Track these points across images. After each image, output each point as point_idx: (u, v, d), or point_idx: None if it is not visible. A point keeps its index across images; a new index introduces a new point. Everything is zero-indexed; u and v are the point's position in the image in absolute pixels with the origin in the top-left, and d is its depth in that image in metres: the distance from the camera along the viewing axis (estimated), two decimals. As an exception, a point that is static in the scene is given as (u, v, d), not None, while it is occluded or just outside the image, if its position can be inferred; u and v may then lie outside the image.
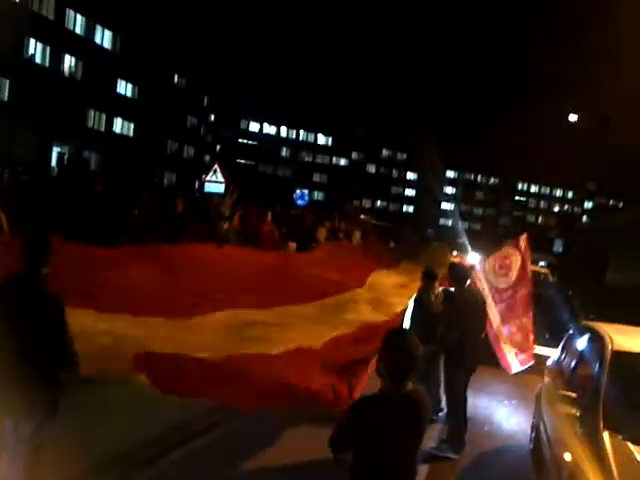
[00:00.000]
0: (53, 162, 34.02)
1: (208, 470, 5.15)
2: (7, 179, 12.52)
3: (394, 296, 9.05)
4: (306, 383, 5.02)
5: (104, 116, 42.79)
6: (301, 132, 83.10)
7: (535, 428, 6.49)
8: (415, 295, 7.27)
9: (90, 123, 41.53)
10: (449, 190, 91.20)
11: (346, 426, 3.11)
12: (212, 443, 5.78)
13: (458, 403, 6.56)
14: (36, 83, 34.00)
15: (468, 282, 7.00)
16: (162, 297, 5.91)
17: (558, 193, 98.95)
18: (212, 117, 63.88)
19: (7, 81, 33.78)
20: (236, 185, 15.05)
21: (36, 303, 3.83)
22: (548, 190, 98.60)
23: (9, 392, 3.81)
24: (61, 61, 37.78)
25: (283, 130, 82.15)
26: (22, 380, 3.78)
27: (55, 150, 36.31)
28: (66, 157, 31.32)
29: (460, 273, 6.93)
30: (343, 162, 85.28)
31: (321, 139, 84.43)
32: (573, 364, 6.16)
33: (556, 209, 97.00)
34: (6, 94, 33.98)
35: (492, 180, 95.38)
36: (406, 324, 7.04)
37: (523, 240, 8.62)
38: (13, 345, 3.78)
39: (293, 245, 14.72)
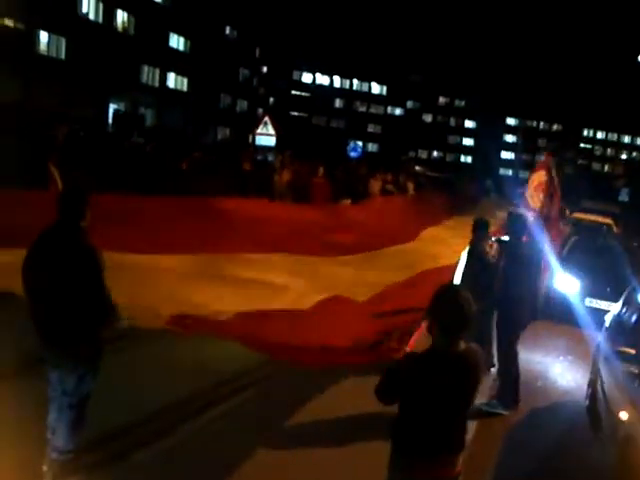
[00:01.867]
0: (110, 119, 34.66)
1: (256, 421, 5.16)
2: (62, 136, 12.80)
3: (447, 248, 8.89)
4: (358, 333, 4.98)
5: (157, 71, 43.08)
6: (354, 82, 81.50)
7: (592, 385, 6.29)
8: (468, 246, 6.93)
9: (144, 79, 41.93)
10: (510, 138, 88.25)
11: (395, 379, 2.99)
12: (259, 395, 5.80)
13: (510, 358, 6.36)
14: (91, 40, 34.39)
15: (527, 235, 6.65)
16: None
17: (626, 139, 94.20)
18: (264, 69, 63.41)
19: (63, 40, 34.29)
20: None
21: (74, 255, 3.80)
22: (615, 137, 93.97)
23: (52, 345, 3.88)
24: (114, 17, 38.01)
25: (336, 80, 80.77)
26: (64, 333, 3.84)
27: (112, 107, 36.92)
28: (122, 113, 31.85)
29: (518, 224, 6.59)
30: (398, 112, 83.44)
31: (375, 88, 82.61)
32: (634, 319, 5.89)
33: (624, 156, 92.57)
34: (63, 53, 34.54)
35: (555, 127, 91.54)
36: (458, 277, 6.78)
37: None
38: (53, 298, 3.80)
39: (347, 200, 14.60)
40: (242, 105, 57.46)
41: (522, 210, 8.01)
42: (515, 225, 6.59)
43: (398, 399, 2.97)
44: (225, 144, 38.59)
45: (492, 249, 6.86)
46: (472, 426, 5.46)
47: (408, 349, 4.73)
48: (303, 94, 77.73)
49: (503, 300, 6.31)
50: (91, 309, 3.85)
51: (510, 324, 6.37)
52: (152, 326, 4.72)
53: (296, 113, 72.02)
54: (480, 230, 6.90)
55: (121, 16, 38.67)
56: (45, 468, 3.90)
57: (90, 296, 3.82)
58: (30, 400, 4.22)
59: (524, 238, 6.55)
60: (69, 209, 3.87)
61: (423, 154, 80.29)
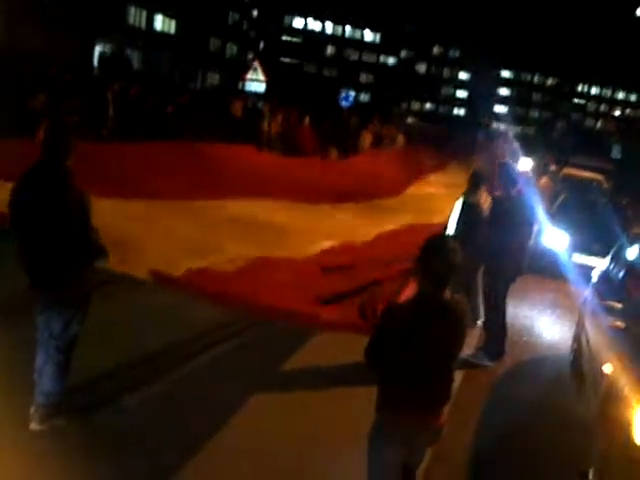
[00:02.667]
0: (95, 61, 33.76)
1: (240, 368, 5.16)
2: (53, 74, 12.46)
3: (437, 202, 8.80)
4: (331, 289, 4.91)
5: (145, 12, 41.82)
6: (347, 28, 79.70)
7: (577, 339, 6.29)
8: (462, 197, 6.81)
9: (131, 20, 40.70)
10: (504, 92, 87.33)
11: (379, 332, 2.98)
12: (244, 344, 5.78)
13: (496, 311, 6.37)
14: (75, -22, 33.15)
15: (517, 188, 6.54)
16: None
17: (620, 96, 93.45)
18: (255, 12, 61.62)
19: (47, -23, 33.02)
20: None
21: (60, 195, 3.72)
22: (609, 92, 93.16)
23: (40, 287, 3.85)
24: (100, -46, 36.59)
25: (328, 26, 78.93)
26: (52, 276, 3.81)
27: (97, 49, 35.89)
28: (107, 56, 30.98)
29: (508, 176, 6.49)
30: (391, 61, 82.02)
31: (368, 36, 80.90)
32: (622, 274, 5.90)
33: (617, 113, 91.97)
34: (46, -9, 33.33)
35: (550, 81, 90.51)
36: (451, 228, 6.68)
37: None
38: (40, 239, 3.75)
39: (334, 151, 14.35)
40: (232, 49, 56.13)
41: (512, 163, 7.91)
42: (505, 176, 6.50)
43: (384, 359, 2.95)
44: (214, 89, 37.84)
45: (486, 202, 6.78)
46: (457, 377, 5.52)
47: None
48: (294, 40, 76.06)
49: (490, 252, 6.25)
50: (79, 251, 3.80)
51: (497, 277, 6.35)
52: (137, 274, 4.64)
53: (287, 59, 70.57)
54: (475, 182, 6.80)
55: (107, -46, 37.24)
56: (32, 411, 3.91)
57: (77, 237, 3.76)
58: (19, 343, 4.22)
59: (514, 190, 6.45)
60: (53, 147, 3.76)
61: (416, 105, 79.39)
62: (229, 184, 6.91)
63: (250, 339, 5.88)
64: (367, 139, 15.62)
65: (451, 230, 6.59)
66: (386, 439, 3.02)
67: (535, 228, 7.07)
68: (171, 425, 4.19)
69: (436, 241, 3.01)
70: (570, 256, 9.74)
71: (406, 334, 2.88)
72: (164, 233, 5.43)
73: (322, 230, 6.64)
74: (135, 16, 41.10)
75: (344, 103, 22.72)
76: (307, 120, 13.80)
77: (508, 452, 4.67)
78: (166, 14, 43.85)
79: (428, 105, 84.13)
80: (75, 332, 3.95)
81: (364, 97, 74.43)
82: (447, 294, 2.94)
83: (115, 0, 36.53)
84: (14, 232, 3.83)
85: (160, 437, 4.03)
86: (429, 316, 2.90)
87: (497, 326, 6.37)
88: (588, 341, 5.47)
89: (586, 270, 7.94)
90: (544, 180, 13.43)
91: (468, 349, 6.12)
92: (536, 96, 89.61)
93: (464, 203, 6.73)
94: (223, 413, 4.43)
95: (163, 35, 43.99)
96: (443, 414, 3.07)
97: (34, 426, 3.89)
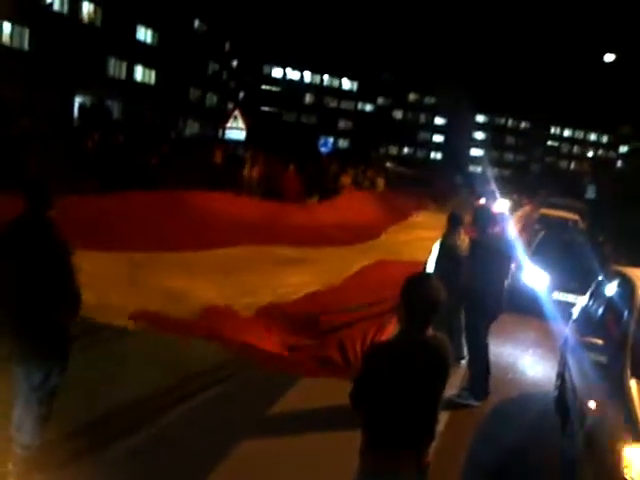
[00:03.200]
0: (75, 112, 34.00)
1: (223, 418, 5.08)
2: (28, 128, 12.48)
3: (416, 245, 8.86)
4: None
5: (125, 64, 42.41)
6: (325, 77, 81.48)
7: (560, 376, 6.36)
8: (440, 239, 6.93)
9: (111, 71, 41.23)
10: (479, 135, 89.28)
11: (361, 376, 2.94)
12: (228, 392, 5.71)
13: (479, 350, 6.40)
14: (55, 32, 33.66)
15: (494, 229, 6.69)
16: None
17: (592, 137, 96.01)
18: (234, 63, 62.88)
19: (27, 30, 33.50)
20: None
21: (43, 246, 3.73)
22: (582, 134, 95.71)
23: (18, 340, 3.79)
24: (79, 8, 37.18)
25: (307, 75, 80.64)
26: (31, 327, 3.76)
27: (77, 100, 36.22)
28: (88, 107, 31.21)
29: (484, 218, 6.63)
30: (369, 107, 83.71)
31: (346, 84, 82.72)
32: (601, 310, 5.98)
33: (590, 154, 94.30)
34: (26, 44, 33.76)
35: (523, 124, 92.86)
36: (429, 269, 6.76)
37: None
38: (22, 290, 3.73)
39: (316, 196, 14.58)
40: (212, 99, 56.94)
41: (488, 205, 8.09)
42: (481, 218, 6.63)
43: (368, 400, 2.91)
44: (194, 138, 38.21)
45: (464, 243, 6.87)
46: (443, 417, 5.44)
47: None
48: (273, 89, 77.44)
49: (471, 292, 6.32)
50: (60, 302, 3.79)
51: (478, 316, 6.39)
52: (118, 322, 4.62)
53: (267, 108, 71.66)
54: (453, 224, 6.92)
55: (87, 7, 37.82)
56: (11, 466, 3.80)
57: (59, 288, 3.75)
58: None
59: (491, 231, 6.59)
60: (35, 199, 3.78)
61: (393, 150, 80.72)
62: (210, 233, 6.94)
63: (233, 386, 5.81)
64: (347, 181, 15.87)
65: (430, 270, 6.66)
66: None
67: (513, 266, 7.18)
68: (159, 474, 4.12)
69: (417, 279, 2.99)
70: (550, 294, 9.82)
71: (389, 373, 2.84)
72: (141, 282, 5.39)
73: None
74: (115, 67, 41.70)
75: (323, 149, 23.12)
76: (292, 167, 14.07)
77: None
78: (146, 65, 44.58)
79: (406, 149, 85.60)
80: (55, 383, 3.89)
81: (343, 143, 75.61)
82: (430, 332, 2.91)
83: (95, 51, 37.11)
84: None
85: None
86: (412, 354, 2.86)
87: (481, 365, 6.37)
88: (571, 377, 5.51)
89: (566, 308, 8.04)
90: (520, 213, 13.68)
91: (452, 389, 6.15)
92: (510, 139, 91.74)
93: (442, 244, 6.84)
94: (216, 459, 4.37)
95: (143, 85, 44.61)
96: (428, 454, 3.00)
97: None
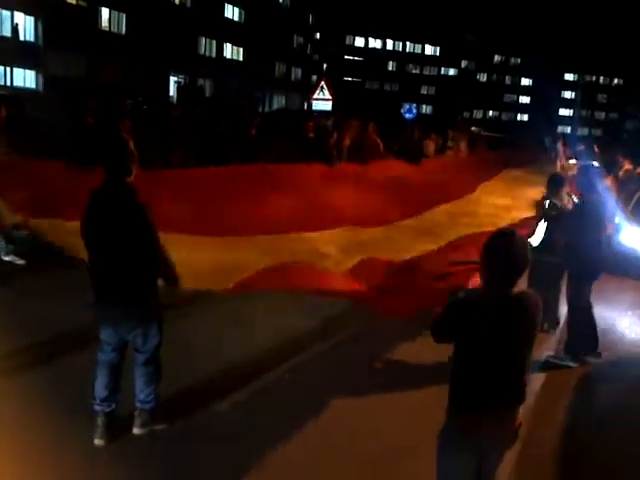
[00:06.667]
0: (171, 91, 35.74)
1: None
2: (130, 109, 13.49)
3: (509, 208, 9.02)
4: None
5: (214, 42, 43.84)
6: (407, 44, 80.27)
7: None
8: (547, 201, 6.76)
9: (202, 50, 42.80)
10: (568, 95, 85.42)
11: (441, 323, 2.93)
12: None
13: (583, 310, 6.34)
14: (150, 15, 35.41)
15: (596, 189, 6.50)
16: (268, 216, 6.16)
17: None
18: (318, 35, 63.32)
19: (124, 15, 35.48)
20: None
21: (123, 213, 3.80)
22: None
23: (115, 303, 3.90)
24: (171, -11, 38.88)
25: (389, 43, 79.75)
26: (126, 290, 3.86)
27: (172, 79, 38.03)
28: (184, 85, 32.73)
29: (589, 177, 6.52)
30: (452, 72, 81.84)
31: (428, 49, 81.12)
32: None
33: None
34: (124, 28, 35.77)
35: (616, 81, 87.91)
36: (539, 233, 6.68)
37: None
38: (111, 256, 3.83)
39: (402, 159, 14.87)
40: (297, 73, 57.80)
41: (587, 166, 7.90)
42: (584, 179, 6.55)
43: (451, 339, 2.90)
44: (280, 111, 39.21)
45: (569, 203, 6.88)
46: (539, 378, 5.68)
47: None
48: (356, 59, 77.09)
49: (577, 251, 6.30)
50: (146, 264, 3.87)
51: (583, 275, 6.38)
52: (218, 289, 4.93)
53: (349, 78, 71.68)
54: (556, 185, 6.86)
55: (178, -11, 39.51)
56: (97, 441, 3.93)
57: (144, 252, 3.83)
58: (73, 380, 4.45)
59: (593, 191, 6.48)
60: (113, 166, 3.86)
61: (478, 114, 78.75)
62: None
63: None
64: (431, 147, 16.17)
65: (540, 231, 6.70)
66: (455, 443, 2.87)
67: (610, 227, 6.93)
68: (264, 427, 4.36)
69: (499, 238, 2.86)
70: None
71: (473, 329, 2.78)
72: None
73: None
74: (206, 45, 43.27)
75: (408, 115, 23.39)
76: (371, 126, 14.11)
77: (590, 449, 4.71)
78: (234, 42, 45.94)
79: (491, 113, 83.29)
80: (155, 343, 4.04)
81: (427, 109, 74.65)
82: (513, 291, 2.80)
83: (187, 32, 38.73)
84: (87, 250, 3.92)
85: (254, 439, 4.20)
86: (491, 317, 2.76)
87: (582, 325, 6.33)
88: None
89: None
90: (610, 179, 13.38)
91: (549, 351, 6.31)
92: (601, 97, 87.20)
93: (550, 206, 6.77)
94: (313, 414, 4.64)
95: (232, 62, 46.00)
96: (518, 416, 2.88)
97: (136, 430, 4.08)
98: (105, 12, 34.77)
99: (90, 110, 9.47)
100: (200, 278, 4.60)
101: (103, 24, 34.86)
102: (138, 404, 4.09)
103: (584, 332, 6.28)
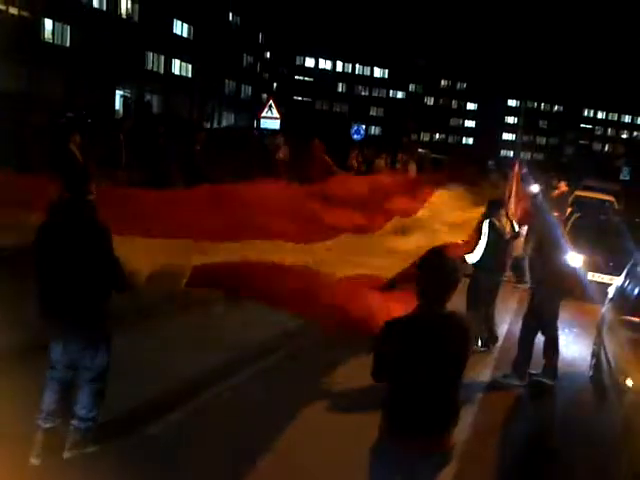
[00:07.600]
0: (117, 105, 34.80)
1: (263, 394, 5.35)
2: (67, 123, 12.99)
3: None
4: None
5: (162, 58, 43.15)
6: (357, 66, 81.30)
7: (595, 355, 6.45)
8: (487, 222, 7.11)
9: (149, 65, 42.00)
10: (511, 120, 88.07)
11: (378, 349, 2.87)
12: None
13: (553, 328, 6.56)
14: (95, 28, 34.45)
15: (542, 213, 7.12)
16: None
17: (627, 119, 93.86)
18: (268, 55, 63.29)
19: (68, 27, 34.39)
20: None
21: (81, 228, 3.80)
22: (616, 116, 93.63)
23: (63, 319, 3.87)
24: (118, 4, 38.00)
25: (339, 65, 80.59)
26: (76, 307, 3.83)
27: (118, 94, 37.06)
28: (131, 101, 31.91)
29: (538, 202, 7.04)
30: (400, 95, 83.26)
31: (377, 72, 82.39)
32: (637, 290, 6.03)
33: (624, 136, 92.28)
34: (68, 40, 34.66)
35: (556, 108, 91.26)
36: (479, 251, 7.00)
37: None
38: (60, 269, 3.79)
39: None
40: (247, 91, 57.47)
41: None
42: (536, 204, 7.24)
43: (387, 377, 2.87)
44: (228, 128, 38.77)
45: (507, 226, 7.27)
46: (477, 397, 5.77)
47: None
48: (306, 79, 77.47)
49: (551, 274, 6.56)
50: (100, 282, 3.85)
51: (556, 295, 6.61)
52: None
53: (300, 98, 71.85)
54: (495, 206, 7.29)
55: (125, 3, 38.67)
56: (33, 460, 3.83)
57: (100, 274, 3.81)
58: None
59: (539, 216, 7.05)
60: (75, 186, 3.87)
61: (425, 137, 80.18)
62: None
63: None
64: (381, 164, 16.18)
65: (480, 250, 6.96)
66: (386, 462, 2.87)
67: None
68: (199, 447, 4.32)
69: (433, 257, 2.91)
70: (585, 275, 9.83)
71: (405, 350, 2.76)
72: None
73: None
74: (153, 61, 42.44)
75: (356, 136, 23.39)
76: (316, 140, 13.87)
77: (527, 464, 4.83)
78: (183, 58, 45.23)
79: (437, 135, 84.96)
80: (104, 362, 3.99)
81: (375, 130, 75.44)
82: (446, 309, 2.83)
83: (134, 46, 37.85)
84: (38, 267, 3.86)
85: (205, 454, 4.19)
86: (425, 335, 2.76)
87: (528, 347, 6.49)
88: (607, 356, 5.56)
89: (601, 288, 8.24)
90: (555, 195, 13.70)
91: (488, 370, 6.47)
92: (542, 123, 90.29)
93: (491, 227, 7.06)
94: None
95: (181, 78, 45.23)
96: (450, 437, 2.87)
97: (66, 454, 3.94)
98: (49, 23, 33.63)
99: (30, 126, 9.19)
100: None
101: (46, 36, 33.69)
102: (74, 422, 3.97)
103: (530, 352, 6.48)
